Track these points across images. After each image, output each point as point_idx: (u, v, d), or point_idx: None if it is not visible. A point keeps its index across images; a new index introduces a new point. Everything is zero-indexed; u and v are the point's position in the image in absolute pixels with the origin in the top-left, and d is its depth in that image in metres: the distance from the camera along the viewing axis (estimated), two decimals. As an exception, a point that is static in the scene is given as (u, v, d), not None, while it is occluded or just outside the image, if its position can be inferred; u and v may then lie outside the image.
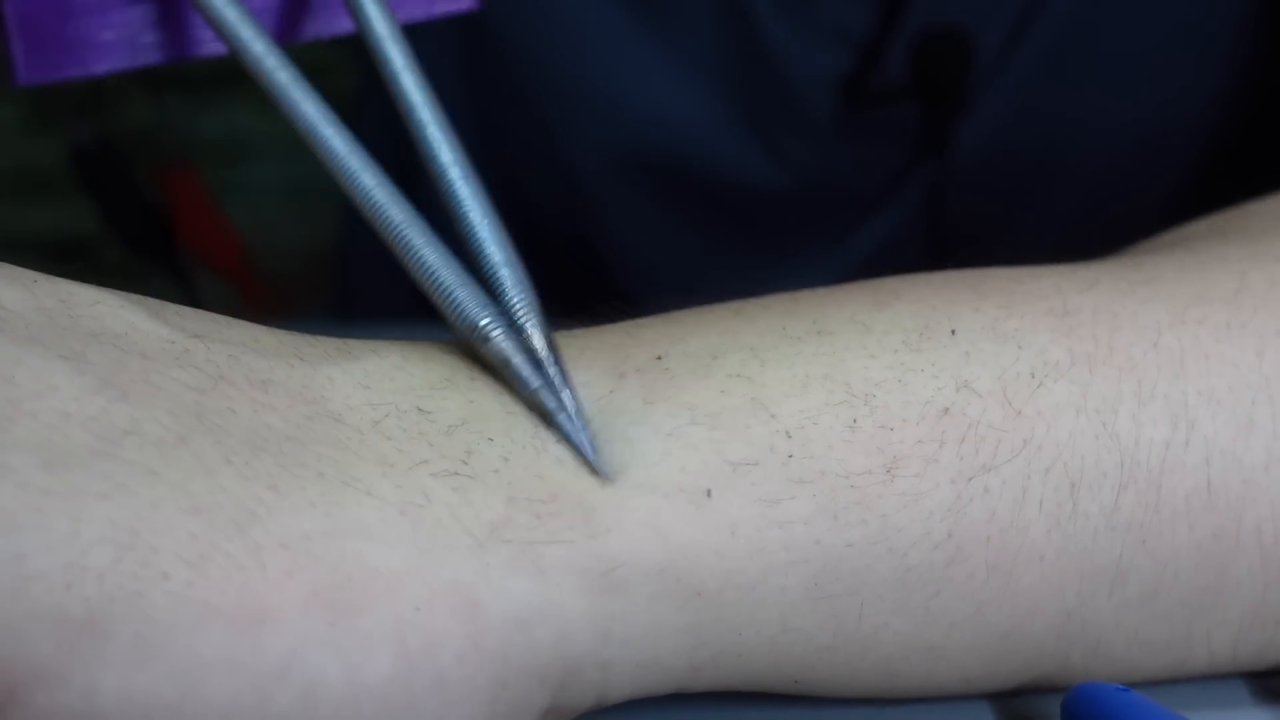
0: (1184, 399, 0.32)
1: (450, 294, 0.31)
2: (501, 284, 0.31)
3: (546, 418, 0.30)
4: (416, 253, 0.31)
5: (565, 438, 0.30)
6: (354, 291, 0.72)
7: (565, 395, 0.30)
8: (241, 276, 0.72)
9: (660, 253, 0.61)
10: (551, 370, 0.30)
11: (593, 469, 0.29)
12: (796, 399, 0.30)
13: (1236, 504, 0.31)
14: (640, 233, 0.61)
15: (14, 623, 0.25)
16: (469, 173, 0.32)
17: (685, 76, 0.58)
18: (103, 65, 0.37)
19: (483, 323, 0.30)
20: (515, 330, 0.31)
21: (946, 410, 0.31)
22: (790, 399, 0.30)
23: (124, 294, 0.30)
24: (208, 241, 0.70)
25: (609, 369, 0.31)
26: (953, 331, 0.32)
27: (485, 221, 0.32)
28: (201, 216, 0.69)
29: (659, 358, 0.31)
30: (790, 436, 0.30)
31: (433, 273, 0.31)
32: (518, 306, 0.31)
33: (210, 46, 0.38)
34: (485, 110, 0.61)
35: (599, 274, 0.61)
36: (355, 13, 0.35)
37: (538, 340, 0.30)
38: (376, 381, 0.30)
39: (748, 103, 0.58)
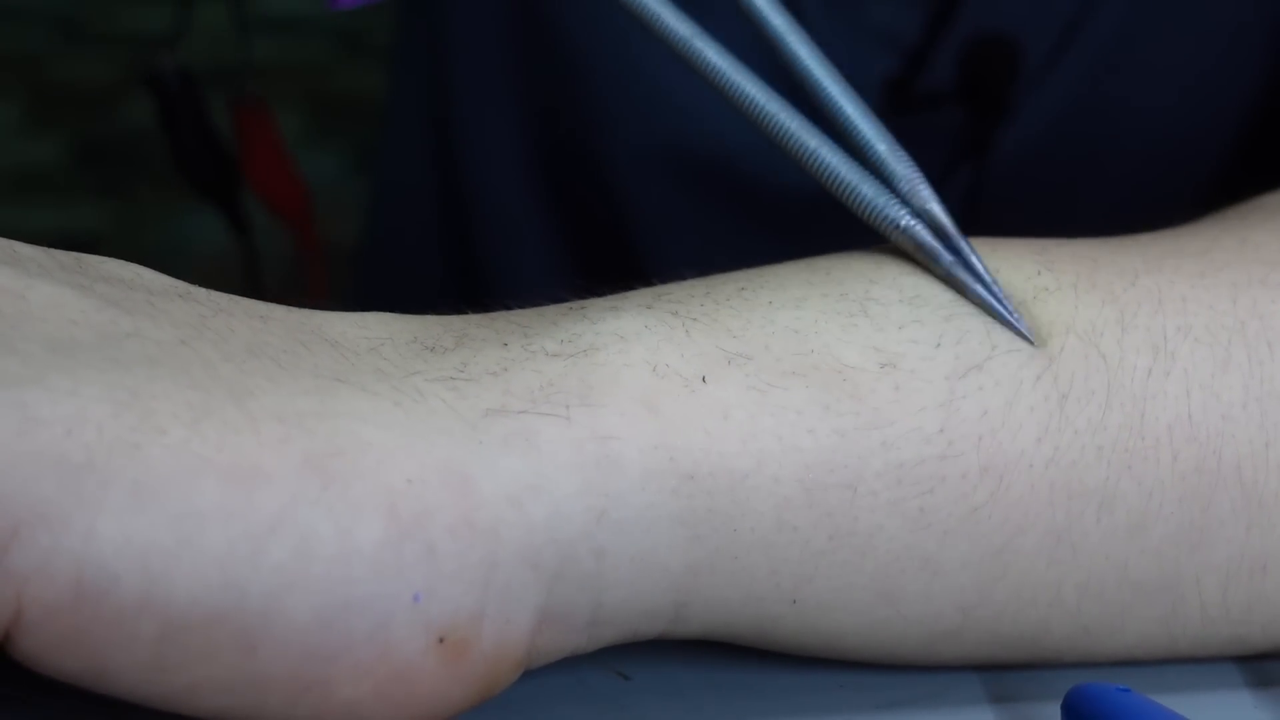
0: (1163, 331, 0.33)
1: (855, 190, 0.33)
2: (893, 175, 0.34)
3: (961, 289, 0.32)
4: (817, 156, 0.34)
5: (984, 304, 0.32)
6: (374, 287, 0.73)
7: (977, 264, 0.32)
8: (303, 224, 0.72)
9: (693, 248, 0.61)
10: (961, 244, 0.33)
11: (1016, 329, 0.32)
12: (794, 309, 0.32)
13: (1216, 438, 0.32)
14: (674, 227, 0.62)
15: (17, 462, 0.26)
16: (846, 85, 0.35)
17: None
18: None
19: (891, 212, 0.33)
20: (917, 215, 0.33)
21: (949, 318, 0.32)
22: (787, 309, 0.32)
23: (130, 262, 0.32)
24: (273, 184, 0.69)
25: (641, 304, 0.32)
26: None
27: (867, 121, 0.34)
28: (270, 157, 0.69)
29: (663, 294, 0.33)
30: (786, 336, 0.31)
31: (836, 173, 0.33)
32: (914, 192, 0.33)
33: None
34: (533, 97, 0.63)
35: (631, 263, 0.62)
36: None
37: (943, 218, 0.33)
38: (372, 324, 0.31)
39: (790, 102, 0.59)
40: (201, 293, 0.31)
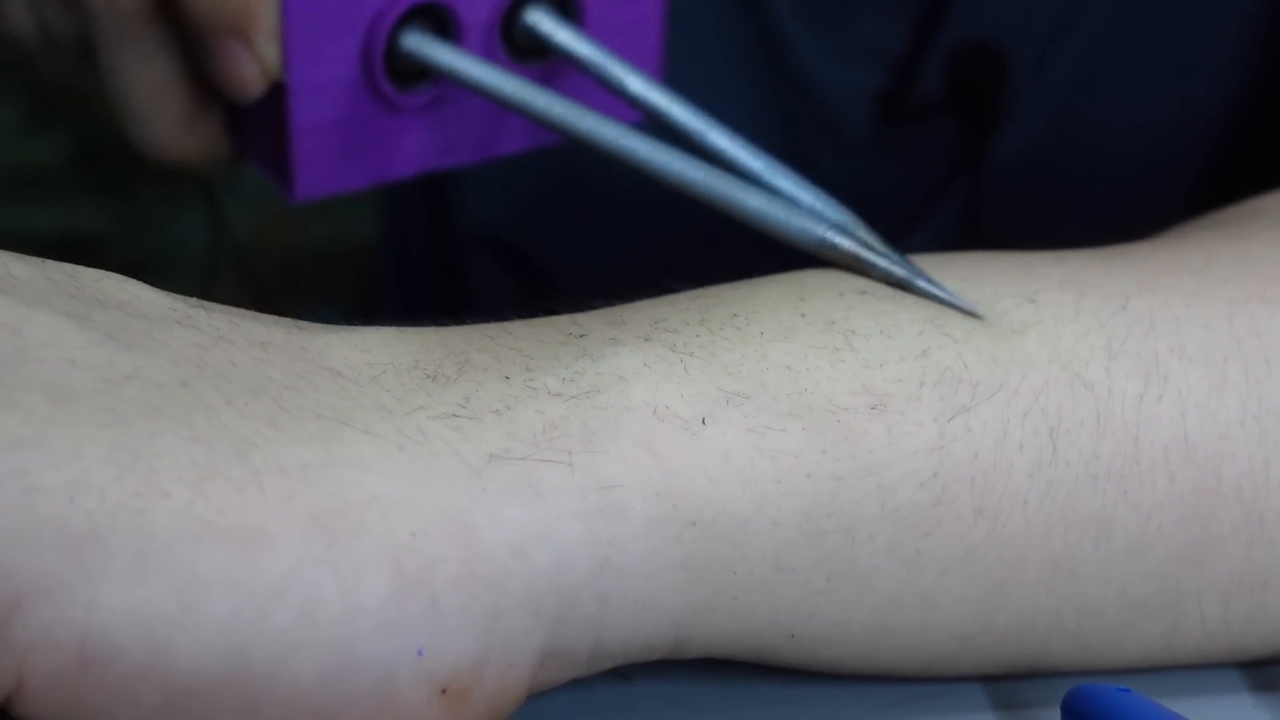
0: (1155, 355, 0.33)
1: (787, 223, 0.35)
2: (815, 207, 0.36)
3: (905, 285, 0.33)
4: (745, 204, 0.36)
5: (929, 294, 0.33)
6: (381, 291, 0.73)
7: (912, 266, 0.34)
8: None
9: (695, 275, 0.61)
10: (890, 253, 0.34)
11: (964, 309, 0.33)
12: (783, 342, 0.32)
13: (1214, 458, 0.32)
14: (675, 256, 0.62)
15: (19, 534, 0.25)
16: (747, 144, 0.38)
17: (718, 103, 0.58)
18: (376, 177, 0.40)
19: (824, 233, 0.35)
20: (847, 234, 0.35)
21: (925, 351, 0.32)
22: (777, 342, 0.32)
23: (128, 277, 0.31)
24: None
25: (639, 335, 0.32)
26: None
27: (777, 168, 0.37)
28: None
29: (659, 321, 0.33)
30: (779, 373, 0.31)
31: (766, 213, 0.36)
32: (838, 219, 0.35)
33: (462, 155, 0.42)
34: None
35: (631, 293, 0.62)
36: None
37: (869, 236, 0.35)
38: (374, 346, 0.31)
39: (783, 126, 0.58)
40: (202, 316, 0.30)
